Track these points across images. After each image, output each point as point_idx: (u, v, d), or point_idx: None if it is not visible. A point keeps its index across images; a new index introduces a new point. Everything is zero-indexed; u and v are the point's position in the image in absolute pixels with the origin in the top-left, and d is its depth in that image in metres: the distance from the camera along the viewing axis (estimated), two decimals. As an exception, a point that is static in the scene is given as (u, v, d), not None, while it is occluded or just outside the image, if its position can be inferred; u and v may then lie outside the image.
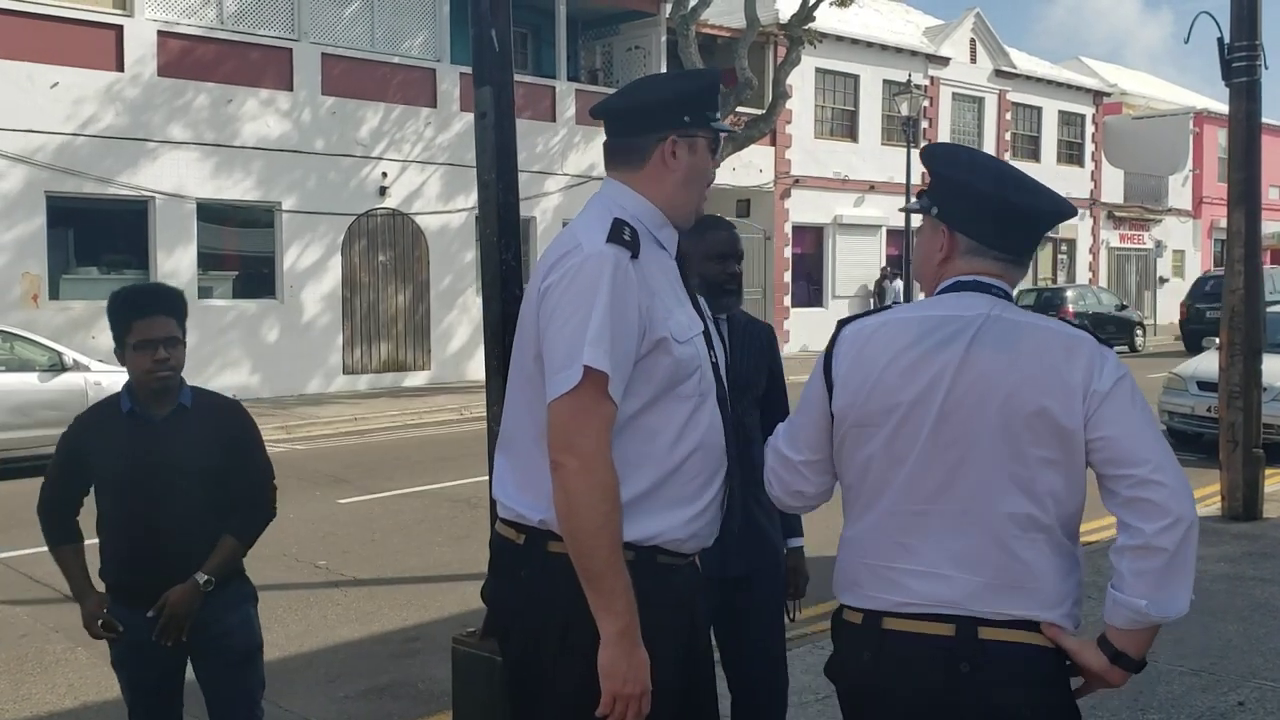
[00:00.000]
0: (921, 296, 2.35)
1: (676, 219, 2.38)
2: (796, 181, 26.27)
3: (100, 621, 3.24)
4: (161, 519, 3.21)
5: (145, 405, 3.26)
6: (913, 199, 2.45)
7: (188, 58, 17.21)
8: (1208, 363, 11.58)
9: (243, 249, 18.48)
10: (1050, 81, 34.06)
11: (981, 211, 2.20)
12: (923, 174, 2.62)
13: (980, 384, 2.09)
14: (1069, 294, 25.78)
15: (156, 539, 3.20)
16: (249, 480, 3.38)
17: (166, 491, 3.21)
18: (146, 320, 3.19)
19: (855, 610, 2.21)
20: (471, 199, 20.41)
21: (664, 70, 23.59)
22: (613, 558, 2.11)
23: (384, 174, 19.29)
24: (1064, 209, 2.25)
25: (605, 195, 2.35)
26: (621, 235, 2.20)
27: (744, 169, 24.26)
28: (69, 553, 3.33)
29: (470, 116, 18.41)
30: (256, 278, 18.19)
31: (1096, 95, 35.97)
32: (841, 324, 2.26)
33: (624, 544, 2.16)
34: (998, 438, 2.07)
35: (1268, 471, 8.59)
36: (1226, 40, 8.09)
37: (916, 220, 2.47)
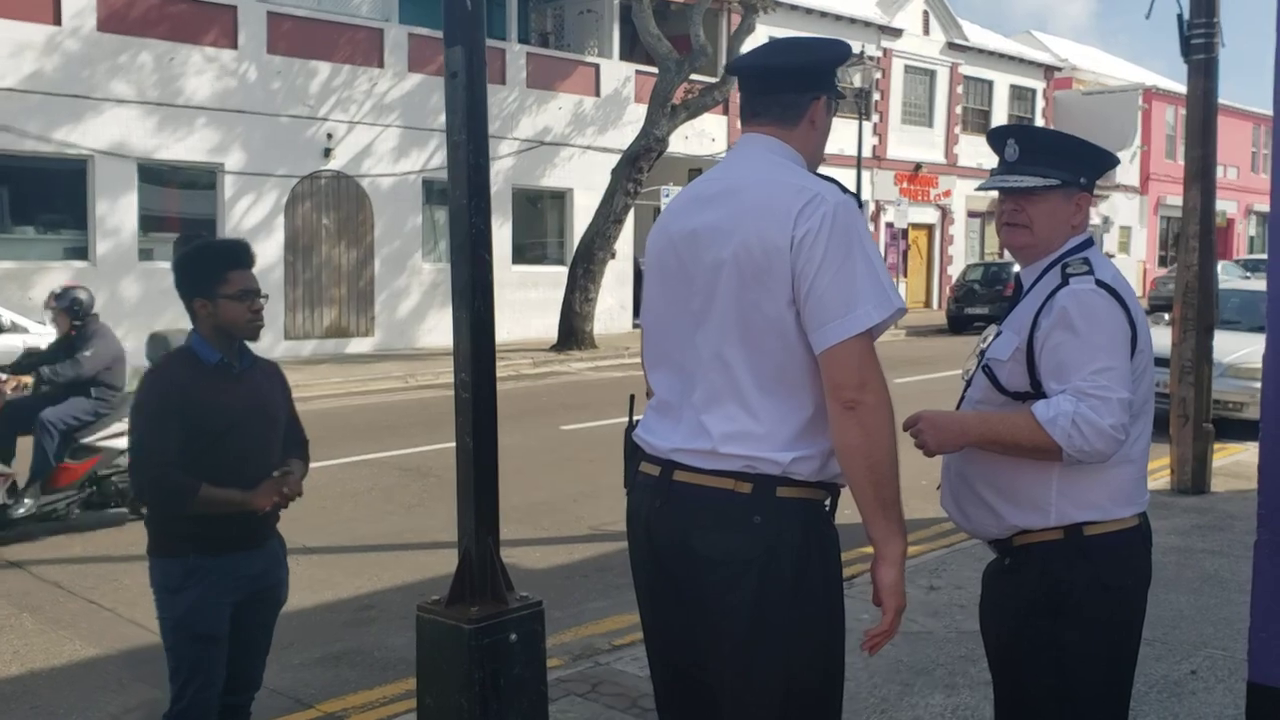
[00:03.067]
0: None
1: (811, 170, 2.49)
2: (748, 151, 26.21)
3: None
4: (257, 465, 3.37)
5: (231, 356, 3.39)
6: (1031, 180, 2.67)
7: (129, 12, 16.76)
8: (1160, 338, 11.69)
9: (184, 211, 18.11)
10: (1002, 55, 34.25)
11: (1103, 173, 2.78)
12: (1015, 148, 2.73)
13: None
14: (1016, 269, 25.94)
15: (254, 485, 3.33)
16: (299, 426, 3.69)
17: (263, 437, 3.42)
18: (242, 271, 3.37)
19: (1139, 514, 2.66)
20: (419, 162, 20.14)
21: (616, 34, 23.40)
22: (898, 485, 2.31)
23: (329, 135, 18.97)
24: None
25: (764, 145, 2.47)
26: (845, 186, 2.36)
27: (697, 137, 24.16)
28: (209, 487, 3.25)
29: (418, 78, 18.26)
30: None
31: (1048, 70, 36.24)
32: (1099, 282, 2.56)
33: (827, 483, 2.36)
34: None
35: (1216, 446, 8.74)
36: (1186, 17, 8.13)
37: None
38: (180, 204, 18.06)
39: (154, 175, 17.34)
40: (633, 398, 2.67)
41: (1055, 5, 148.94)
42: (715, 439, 2.34)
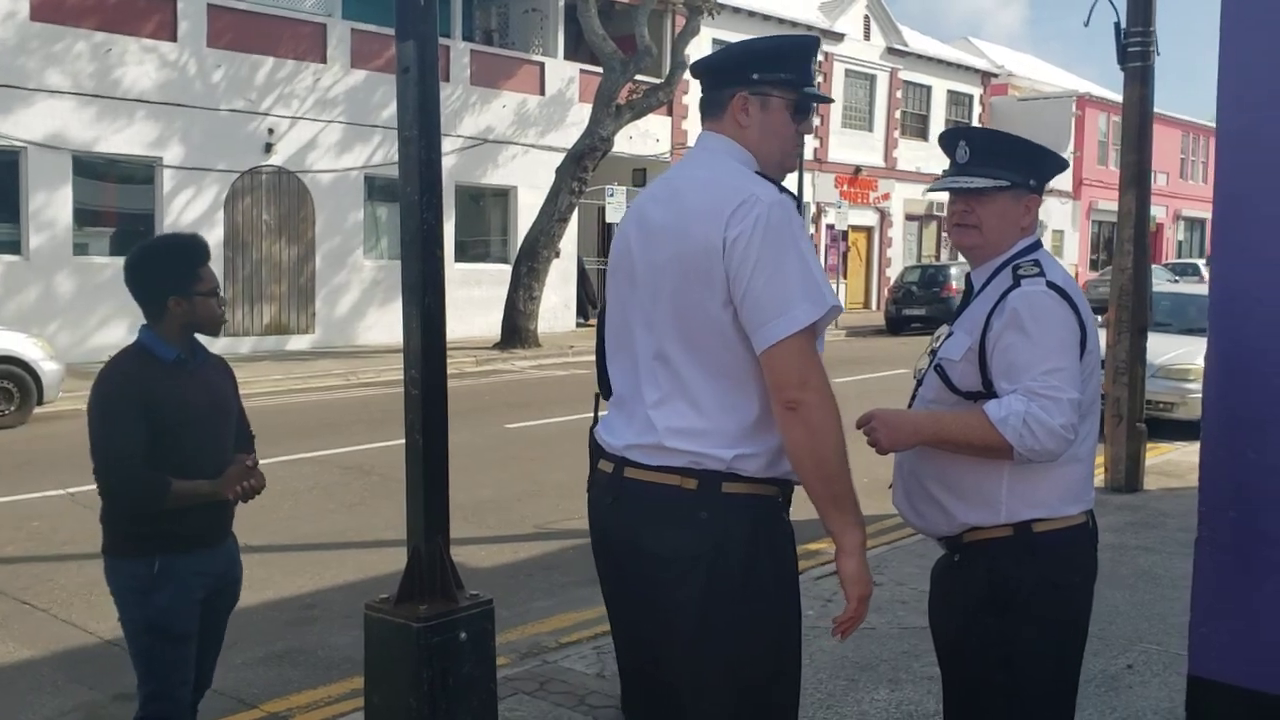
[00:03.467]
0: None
1: (765, 170, 2.49)
2: (691, 152, 26.28)
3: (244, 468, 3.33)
4: (213, 460, 3.34)
5: (187, 352, 3.36)
6: (982, 181, 2.71)
7: (63, 1, 16.43)
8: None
9: (121, 205, 17.78)
10: (941, 61, 34.65)
11: (1052, 175, 2.82)
12: (966, 149, 2.75)
13: None
14: (953, 271, 26.14)
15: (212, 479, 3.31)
16: (245, 420, 3.66)
17: (218, 432, 3.41)
18: (208, 268, 3.38)
19: (1085, 512, 2.70)
20: (361, 157, 19.97)
21: (561, 33, 23.37)
22: (850, 478, 2.33)
23: (270, 130, 18.74)
24: None
25: (715, 145, 2.53)
26: (783, 187, 2.38)
27: (641, 138, 24.19)
28: (178, 481, 3.22)
29: (362, 74, 18.09)
30: (135, 235, 17.48)
31: (985, 76, 36.74)
32: (1050, 284, 2.59)
33: (778, 479, 2.37)
34: None
35: (1149, 445, 8.93)
36: (1123, 25, 8.31)
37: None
38: (117, 198, 17.73)
39: (90, 168, 17.02)
40: (598, 396, 2.69)
41: (989, 12, 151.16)
42: (661, 434, 2.35)
